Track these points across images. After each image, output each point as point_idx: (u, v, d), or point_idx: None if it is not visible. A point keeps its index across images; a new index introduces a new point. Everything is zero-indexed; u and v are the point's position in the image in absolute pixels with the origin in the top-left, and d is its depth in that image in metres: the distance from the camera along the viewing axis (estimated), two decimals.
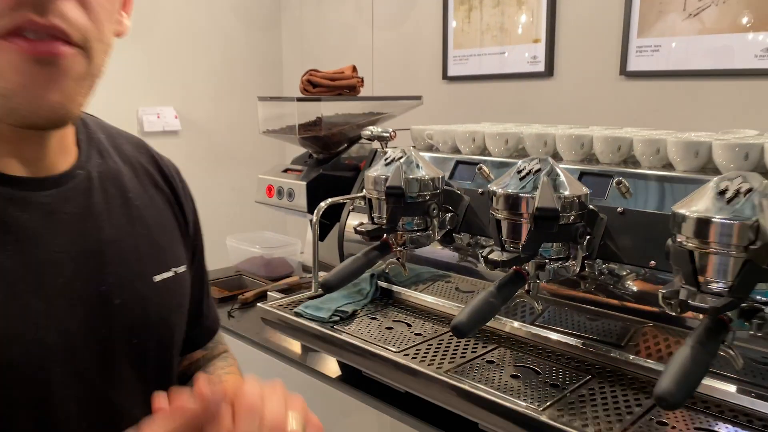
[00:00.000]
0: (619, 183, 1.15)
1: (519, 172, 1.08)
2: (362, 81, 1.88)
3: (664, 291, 0.90)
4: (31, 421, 0.59)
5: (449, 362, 1.19)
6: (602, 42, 2.44)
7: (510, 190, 1.06)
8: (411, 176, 1.24)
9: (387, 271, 1.53)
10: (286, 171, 1.79)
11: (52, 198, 0.65)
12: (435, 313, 1.46)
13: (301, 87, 1.83)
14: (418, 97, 1.86)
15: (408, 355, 1.22)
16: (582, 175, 1.28)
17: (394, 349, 1.24)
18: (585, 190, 1.09)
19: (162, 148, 3.15)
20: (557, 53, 2.64)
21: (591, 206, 1.17)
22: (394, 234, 1.27)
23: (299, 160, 1.84)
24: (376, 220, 1.29)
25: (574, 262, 1.09)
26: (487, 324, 1.34)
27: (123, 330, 0.67)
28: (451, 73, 3.00)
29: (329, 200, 1.50)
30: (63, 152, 0.69)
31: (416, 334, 1.33)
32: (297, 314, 1.41)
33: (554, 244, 1.07)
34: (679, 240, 0.90)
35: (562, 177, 1.07)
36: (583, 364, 1.19)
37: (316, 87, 1.82)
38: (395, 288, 1.55)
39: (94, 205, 0.69)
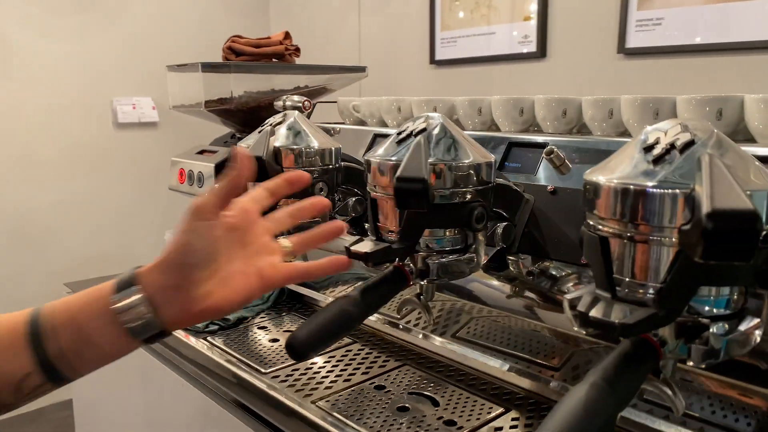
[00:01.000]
0: (549, 153, 0.86)
1: (399, 134, 0.80)
2: (297, 50, 1.61)
3: (569, 297, 0.61)
4: None
5: (326, 387, 0.91)
6: (598, 17, 2.13)
7: (379, 158, 0.78)
8: (283, 145, 0.96)
9: None
10: (201, 153, 1.53)
11: None
12: None
13: (223, 56, 1.58)
14: (362, 69, 1.59)
15: (278, 377, 0.95)
16: (511, 146, 1.00)
17: (262, 369, 0.97)
18: (488, 157, 0.80)
19: (138, 140, 2.92)
20: (550, 31, 2.35)
21: (512, 184, 0.88)
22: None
23: (219, 141, 1.58)
24: None
25: (473, 255, 0.80)
26: (396, 336, 1.07)
27: None
28: (439, 56, 2.73)
29: None
30: None
31: None
32: None
33: (447, 231, 0.79)
34: (590, 222, 0.61)
35: (459, 140, 0.79)
36: (503, 392, 0.90)
37: (239, 55, 1.56)
38: (304, 291, 1.27)
39: None
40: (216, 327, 1.12)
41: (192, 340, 1.08)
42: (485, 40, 2.57)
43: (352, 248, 0.76)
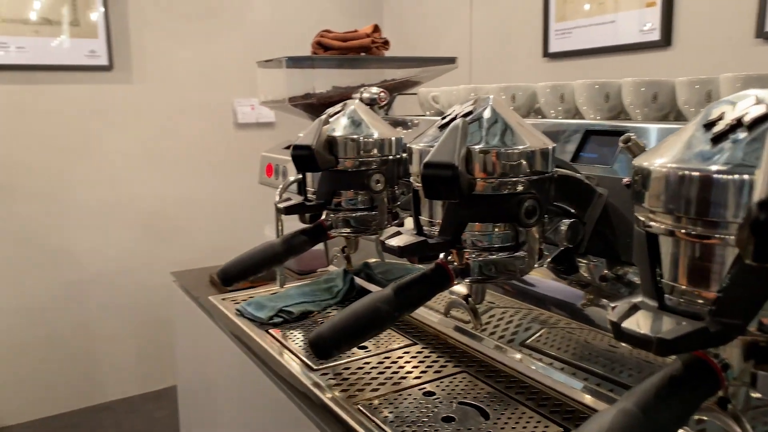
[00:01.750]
0: (626, 141, 0.74)
1: (444, 118, 0.73)
2: (385, 43, 1.58)
3: (613, 305, 0.51)
4: None
5: (373, 390, 0.87)
6: None
7: (419, 145, 0.72)
8: (340, 134, 0.93)
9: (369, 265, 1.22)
10: (288, 147, 1.54)
11: None
12: (413, 324, 1.12)
13: (311, 51, 1.59)
14: (451, 60, 1.52)
15: (327, 374, 0.91)
16: (588, 135, 0.89)
17: (313, 365, 0.94)
18: (545, 144, 0.71)
19: (257, 140, 3.07)
20: (676, 17, 2.13)
21: (581, 176, 0.78)
22: (335, 213, 0.97)
23: None
24: (309, 195, 1.00)
25: (524, 254, 0.71)
26: (458, 340, 0.99)
27: None
28: (552, 49, 2.58)
29: (301, 176, 1.22)
30: None
31: (360, 347, 1.01)
32: (238, 312, 1.16)
33: (495, 227, 0.71)
34: (639, 217, 0.51)
35: (512, 125, 0.70)
36: (565, 410, 0.80)
37: (327, 50, 1.56)
38: (375, 288, 1.23)
39: None
40: (280, 320, 1.11)
41: (253, 331, 1.08)
42: (603, 30, 2.39)
43: (387, 241, 0.71)
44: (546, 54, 2.59)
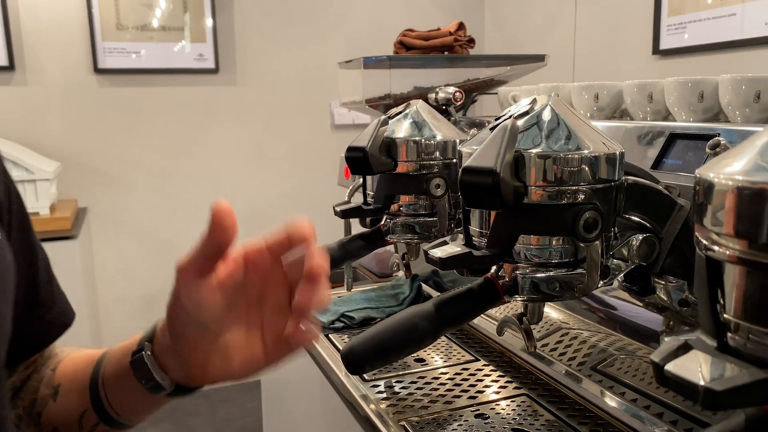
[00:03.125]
0: (714, 147, 0.65)
1: (498, 119, 0.66)
2: (470, 41, 1.52)
3: (667, 339, 0.43)
4: None
5: (423, 407, 0.81)
6: None
7: (468, 148, 0.66)
8: (400, 136, 0.88)
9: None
10: None
11: None
12: (478, 338, 1.06)
13: (393, 51, 1.56)
14: (540, 57, 1.43)
15: (377, 386, 0.87)
16: (673, 139, 0.78)
17: (366, 376, 0.90)
18: (611, 149, 0.62)
19: (352, 141, 3.08)
20: None
21: (659, 185, 0.69)
22: (393, 218, 0.93)
23: None
24: (368, 199, 0.96)
25: (583, 271, 0.64)
26: (526, 360, 0.92)
27: None
28: (664, 45, 2.40)
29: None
30: None
31: (417, 360, 0.96)
32: None
33: (553, 240, 0.63)
34: (701, 239, 0.42)
35: (574, 127, 0.63)
36: None
37: (410, 49, 1.52)
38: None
39: None
40: (341, 325, 1.09)
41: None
42: (724, 24, 2.18)
43: (429, 252, 0.66)
44: (656, 51, 2.40)
